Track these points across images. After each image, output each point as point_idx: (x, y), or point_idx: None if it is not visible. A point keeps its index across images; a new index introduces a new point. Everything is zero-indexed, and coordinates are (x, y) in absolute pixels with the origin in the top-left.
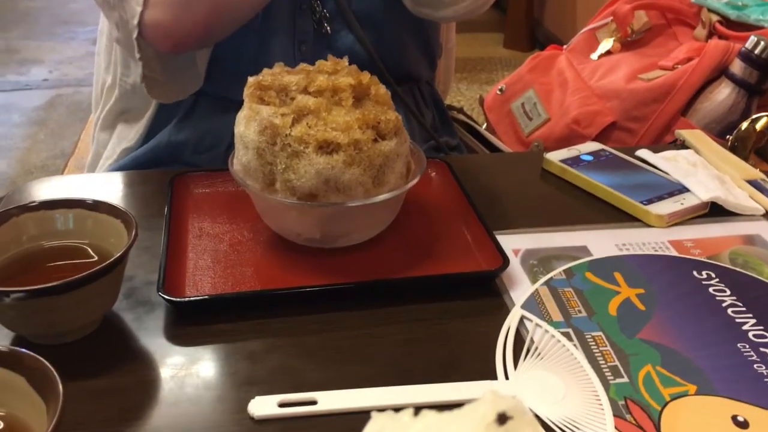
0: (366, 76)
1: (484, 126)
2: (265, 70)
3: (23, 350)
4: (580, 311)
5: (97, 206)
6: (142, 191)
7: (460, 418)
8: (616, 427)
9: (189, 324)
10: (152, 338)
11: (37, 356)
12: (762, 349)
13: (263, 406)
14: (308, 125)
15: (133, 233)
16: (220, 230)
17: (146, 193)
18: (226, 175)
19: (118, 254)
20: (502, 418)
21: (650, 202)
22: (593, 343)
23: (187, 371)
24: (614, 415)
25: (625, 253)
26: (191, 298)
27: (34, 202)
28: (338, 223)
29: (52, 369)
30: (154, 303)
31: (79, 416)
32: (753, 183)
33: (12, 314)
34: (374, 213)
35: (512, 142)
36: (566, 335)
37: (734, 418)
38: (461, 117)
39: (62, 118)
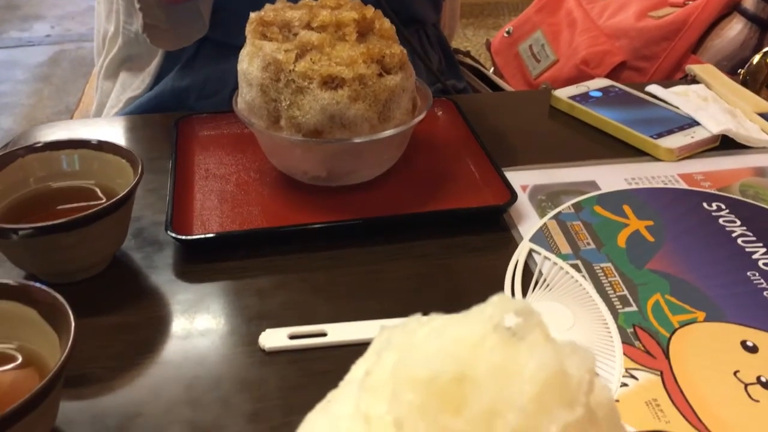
0: (370, 10)
1: (492, 70)
2: (267, 6)
3: (34, 284)
4: (588, 243)
5: (102, 146)
6: (147, 135)
7: (466, 320)
8: (624, 354)
9: (198, 262)
10: (162, 276)
11: (48, 289)
12: None
13: (274, 338)
14: (312, 60)
15: (140, 171)
16: (226, 171)
17: (151, 136)
18: (231, 117)
19: (125, 192)
20: (510, 320)
21: (660, 136)
22: (602, 274)
23: (197, 307)
24: (623, 342)
25: (634, 186)
26: (199, 236)
27: (39, 142)
28: (344, 160)
29: (63, 301)
30: (162, 243)
31: (91, 352)
32: (765, 116)
33: (22, 253)
34: (380, 149)
35: (520, 85)
36: (575, 267)
37: (743, 343)
38: (468, 60)
39: (66, 73)
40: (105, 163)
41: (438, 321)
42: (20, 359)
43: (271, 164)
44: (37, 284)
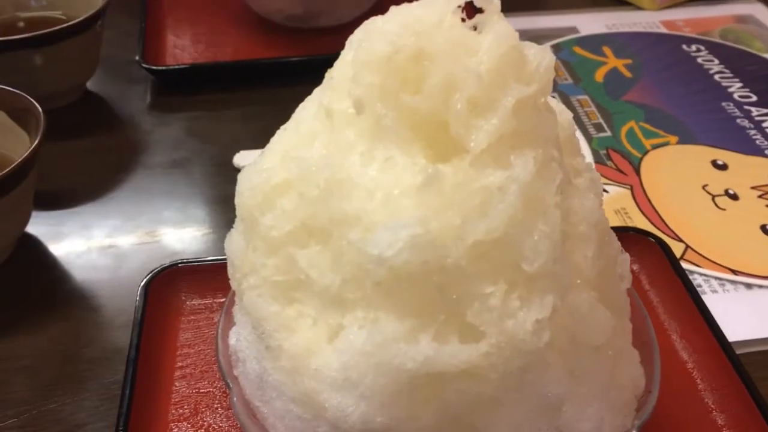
0: None
1: None
2: None
3: (2, 87)
4: (566, 79)
5: None
6: None
7: (426, 2)
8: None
9: (173, 94)
10: (136, 107)
11: (16, 90)
12: (746, 107)
13: (248, 158)
14: None
15: None
16: (200, 15)
17: None
18: None
19: (91, 13)
20: (470, 8)
21: None
22: (578, 105)
23: (173, 134)
24: (595, 162)
25: (614, 31)
26: (173, 66)
27: None
28: None
29: (31, 99)
30: (136, 79)
31: (65, 170)
32: None
33: None
34: None
35: None
36: None
37: (714, 162)
38: None
39: None
40: None
41: (396, 8)
42: None
43: (246, 7)
44: (5, 87)
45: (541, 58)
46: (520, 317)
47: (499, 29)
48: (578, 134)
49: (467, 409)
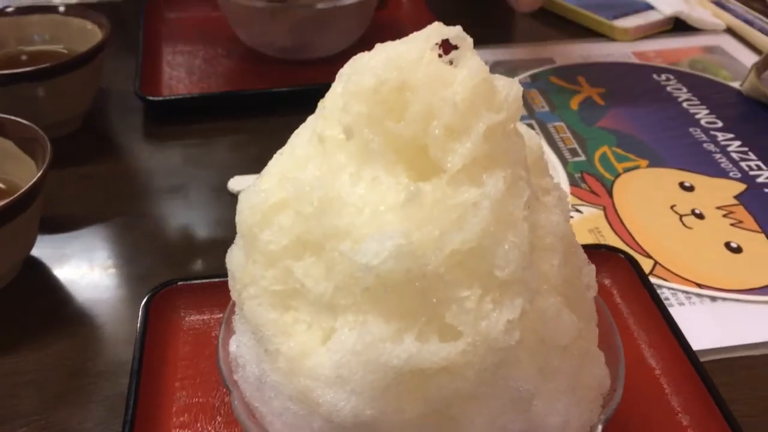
0: None
1: None
2: None
3: (9, 117)
4: (543, 107)
5: (69, 11)
6: (113, 19)
7: (407, 40)
8: (571, 194)
9: (167, 123)
10: (133, 136)
11: (22, 120)
12: (712, 132)
13: (242, 183)
14: None
15: (108, 31)
16: (194, 48)
17: (116, 21)
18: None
19: (92, 46)
20: (446, 45)
21: (615, 17)
22: (554, 131)
23: (169, 161)
24: (570, 185)
25: (589, 62)
26: (168, 97)
27: (9, 7)
28: (308, 30)
29: (36, 128)
30: (133, 108)
31: (66, 196)
32: (716, 2)
33: None
34: (343, 19)
35: None
36: (530, 126)
37: (681, 183)
38: None
39: None
40: (74, 28)
41: (381, 45)
42: (4, 187)
43: (238, 43)
44: (12, 117)
45: (509, 89)
46: (493, 318)
47: (471, 64)
48: (554, 158)
49: (447, 402)
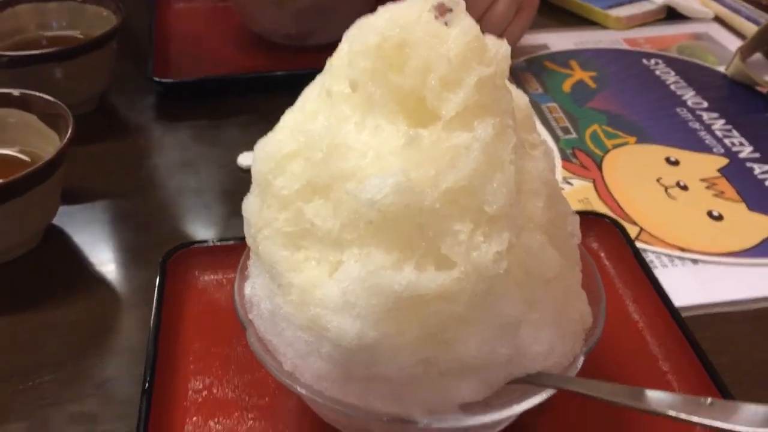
0: None
1: None
2: None
3: (34, 92)
4: (537, 89)
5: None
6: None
7: (407, 3)
8: (563, 168)
9: (179, 105)
10: (146, 116)
11: (46, 95)
12: (698, 112)
13: (250, 158)
14: None
15: (122, 17)
16: (204, 33)
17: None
18: None
19: (109, 29)
20: (441, 7)
21: (610, 7)
22: (547, 111)
23: (180, 140)
24: (562, 159)
25: (581, 48)
26: (179, 80)
27: None
28: (311, 17)
29: (60, 103)
30: (145, 89)
31: (84, 171)
32: None
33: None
34: (346, 8)
35: None
36: None
37: (667, 158)
38: None
39: None
40: (89, 14)
41: (383, 7)
42: (29, 159)
43: (246, 30)
44: (36, 93)
45: (499, 47)
46: (483, 249)
47: (464, 24)
48: (547, 135)
49: (442, 326)
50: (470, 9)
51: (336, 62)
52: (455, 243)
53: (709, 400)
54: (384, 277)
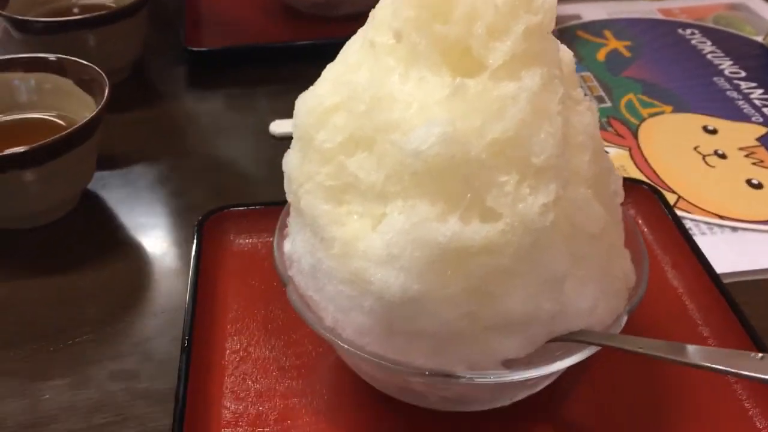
0: None
1: None
2: None
3: (69, 57)
4: None
5: None
6: None
7: None
8: None
9: (211, 73)
10: (178, 84)
11: (82, 60)
12: (735, 81)
13: (283, 126)
14: None
15: None
16: (234, 2)
17: None
18: None
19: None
20: None
21: None
22: (581, 81)
23: (212, 108)
24: None
25: (615, 17)
26: (211, 48)
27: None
28: None
29: (96, 67)
30: (178, 58)
31: (119, 138)
32: None
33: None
34: None
35: None
36: None
37: (704, 127)
38: None
39: None
40: None
41: None
42: (64, 124)
43: (276, 3)
44: (71, 57)
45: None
46: (529, 201)
47: None
48: None
49: (487, 279)
50: None
51: (379, 13)
52: (501, 194)
53: (760, 355)
54: (428, 229)
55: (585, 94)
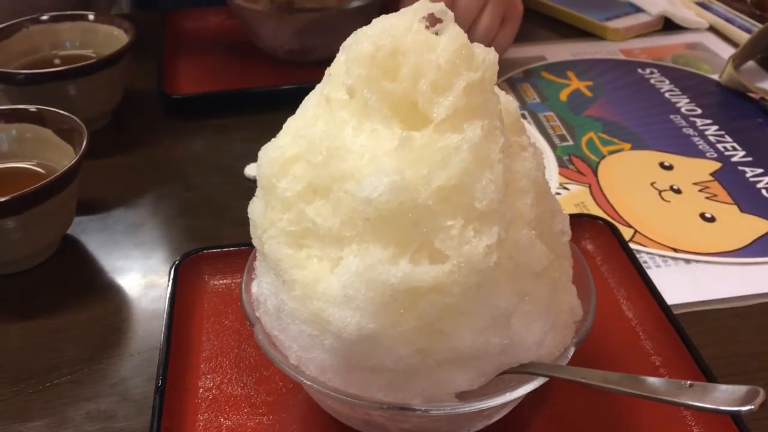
0: None
1: None
2: None
3: (49, 108)
4: (534, 98)
5: (98, 19)
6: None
7: (398, 14)
8: (560, 174)
9: (187, 119)
10: (155, 130)
11: (61, 111)
12: (692, 119)
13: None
14: None
15: (133, 36)
16: (210, 50)
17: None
18: (217, 10)
19: (120, 48)
20: (431, 18)
21: (608, 19)
22: (545, 120)
23: (188, 152)
24: (559, 166)
25: (578, 58)
26: (187, 95)
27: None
28: (313, 33)
29: (75, 117)
30: (155, 105)
31: (100, 183)
32: (699, 3)
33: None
34: (346, 24)
35: None
36: (522, 116)
37: (661, 163)
38: None
39: None
40: (103, 35)
41: (377, 19)
42: (44, 172)
43: (251, 46)
44: (51, 108)
45: (486, 53)
46: (474, 243)
47: (452, 32)
48: (544, 143)
49: (437, 317)
50: (457, 22)
51: (334, 71)
52: (447, 238)
53: (689, 383)
54: (381, 271)
55: (531, 142)
